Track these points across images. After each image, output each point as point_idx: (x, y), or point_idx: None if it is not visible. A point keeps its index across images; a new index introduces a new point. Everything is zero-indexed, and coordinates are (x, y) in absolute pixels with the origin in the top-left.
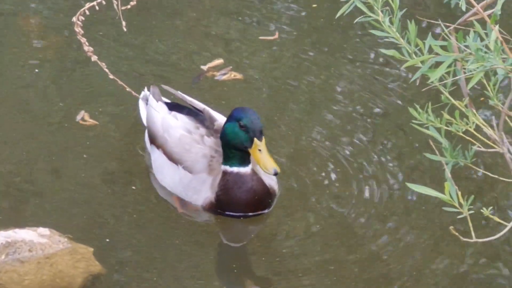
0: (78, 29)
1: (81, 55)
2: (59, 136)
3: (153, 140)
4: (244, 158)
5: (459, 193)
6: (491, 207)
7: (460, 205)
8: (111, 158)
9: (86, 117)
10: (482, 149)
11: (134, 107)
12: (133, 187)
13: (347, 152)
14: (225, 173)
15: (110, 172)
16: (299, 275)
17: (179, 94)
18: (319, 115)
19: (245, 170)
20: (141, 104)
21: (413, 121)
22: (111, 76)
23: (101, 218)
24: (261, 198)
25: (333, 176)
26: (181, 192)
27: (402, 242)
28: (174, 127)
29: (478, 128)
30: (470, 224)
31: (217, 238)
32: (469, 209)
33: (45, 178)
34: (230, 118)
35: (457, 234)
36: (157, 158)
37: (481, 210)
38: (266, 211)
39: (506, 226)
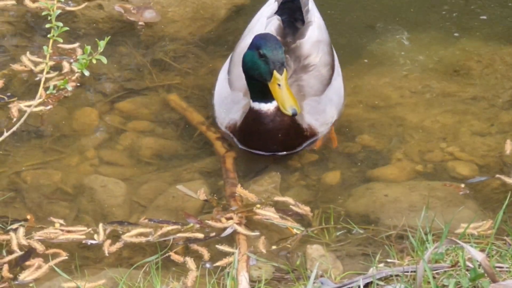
0: None
1: None
2: None
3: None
4: (265, 92)
5: None
6: None
7: None
8: None
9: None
10: None
11: None
12: None
13: None
14: (249, 108)
15: None
16: None
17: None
18: None
19: (267, 107)
20: None
21: None
22: None
23: None
24: (286, 138)
25: None
26: (217, 106)
27: None
28: (251, 35)
29: None
30: None
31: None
32: None
33: None
34: (250, 45)
35: None
36: (228, 58)
37: None
38: (295, 150)
39: None
